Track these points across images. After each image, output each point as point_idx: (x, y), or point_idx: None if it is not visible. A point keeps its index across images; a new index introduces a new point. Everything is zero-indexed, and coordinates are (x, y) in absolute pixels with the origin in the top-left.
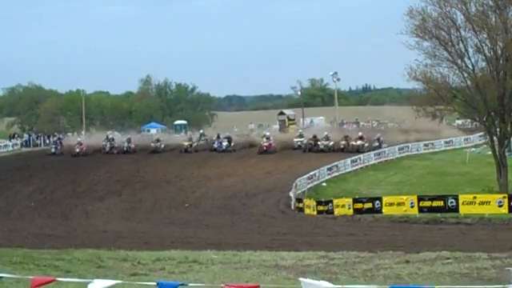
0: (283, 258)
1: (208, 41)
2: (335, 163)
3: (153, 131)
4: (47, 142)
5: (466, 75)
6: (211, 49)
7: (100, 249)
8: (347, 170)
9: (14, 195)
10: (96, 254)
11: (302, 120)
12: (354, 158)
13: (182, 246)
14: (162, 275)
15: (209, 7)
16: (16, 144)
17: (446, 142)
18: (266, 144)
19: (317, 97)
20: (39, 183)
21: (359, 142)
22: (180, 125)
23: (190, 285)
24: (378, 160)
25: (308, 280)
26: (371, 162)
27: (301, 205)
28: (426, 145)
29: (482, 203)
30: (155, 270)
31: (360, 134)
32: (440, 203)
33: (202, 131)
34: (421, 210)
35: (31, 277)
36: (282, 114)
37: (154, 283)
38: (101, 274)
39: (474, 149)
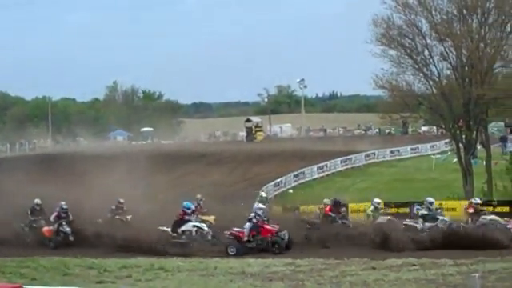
0: (250, 264)
1: (174, 48)
2: (302, 170)
3: (119, 138)
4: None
5: (431, 83)
6: (178, 56)
7: (66, 256)
8: (314, 177)
9: None
10: (62, 262)
11: (268, 127)
12: (320, 164)
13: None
14: (129, 283)
15: (174, 15)
16: None
17: (412, 149)
18: None
19: (283, 103)
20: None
21: None
22: (147, 132)
23: None
24: (345, 167)
25: None
26: (338, 169)
27: None
28: (392, 152)
29: (448, 210)
30: (121, 278)
31: None
32: (406, 210)
33: None
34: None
35: None
36: (248, 121)
37: None
38: (67, 282)
39: (439, 155)
